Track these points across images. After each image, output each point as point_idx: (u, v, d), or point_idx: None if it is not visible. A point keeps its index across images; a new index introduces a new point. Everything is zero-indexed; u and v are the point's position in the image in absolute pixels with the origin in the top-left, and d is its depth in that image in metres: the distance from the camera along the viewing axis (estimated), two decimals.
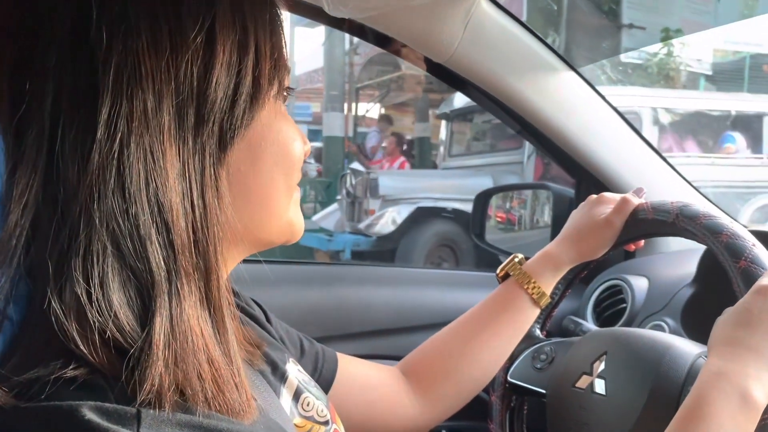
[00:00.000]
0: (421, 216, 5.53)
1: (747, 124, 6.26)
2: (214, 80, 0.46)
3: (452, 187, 5.87)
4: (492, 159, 6.13)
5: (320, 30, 10.13)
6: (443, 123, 7.07)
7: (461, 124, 6.84)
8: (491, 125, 6.47)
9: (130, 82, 0.43)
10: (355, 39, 10.01)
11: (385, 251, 5.56)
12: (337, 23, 1.13)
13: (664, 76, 8.81)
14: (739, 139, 6.20)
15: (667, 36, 8.13)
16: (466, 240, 5.47)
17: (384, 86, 11.02)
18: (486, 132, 6.71)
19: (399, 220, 5.55)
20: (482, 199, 1.65)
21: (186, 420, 0.41)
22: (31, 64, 0.44)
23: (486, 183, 5.63)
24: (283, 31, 0.53)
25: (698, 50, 9.07)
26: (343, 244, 5.78)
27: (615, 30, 7.76)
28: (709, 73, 9.16)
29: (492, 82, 1.12)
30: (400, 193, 5.85)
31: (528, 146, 5.60)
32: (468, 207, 5.55)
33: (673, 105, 6.21)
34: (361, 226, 5.90)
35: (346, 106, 10.45)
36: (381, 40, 1.12)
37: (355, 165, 7.10)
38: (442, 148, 7.04)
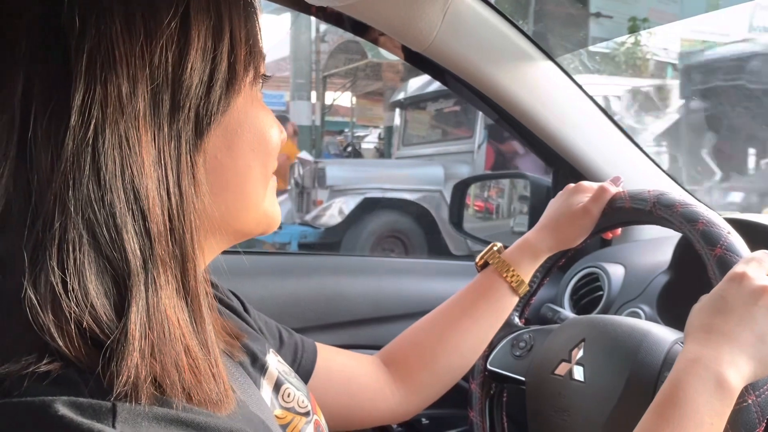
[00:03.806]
0: (369, 206, 5.45)
1: None
2: (189, 66, 0.45)
3: (401, 177, 5.79)
4: (444, 148, 6.05)
5: (287, 17, 9.99)
6: (397, 111, 6.96)
7: (415, 113, 6.74)
8: (444, 113, 6.39)
9: (104, 68, 0.42)
10: (322, 26, 9.92)
11: (332, 243, 5.48)
12: (315, 11, 1.12)
13: (630, 65, 8.82)
14: None
15: (634, 25, 8.11)
16: (415, 230, 5.44)
17: (351, 74, 10.88)
18: (438, 120, 6.62)
19: (346, 211, 5.46)
20: (460, 189, 1.65)
21: (163, 413, 0.41)
22: (0, 50, 0.42)
23: (436, 173, 5.57)
24: (257, 17, 0.52)
25: (666, 40, 9.11)
26: (290, 236, 5.68)
27: (583, 19, 7.77)
28: (676, 62, 9.21)
29: (470, 71, 1.12)
30: (347, 184, 5.75)
31: (479, 135, 5.54)
32: (416, 197, 5.44)
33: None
34: (309, 217, 5.80)
35: (314, 94, 10.36)
36: (359, 28, 1.12)
37: (304, 154, 7.04)
38: (395, 137, 6.91)
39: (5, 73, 0.42)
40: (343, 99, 12.34)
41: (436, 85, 6.06)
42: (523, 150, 5.56)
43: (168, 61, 0.44)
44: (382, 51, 8.04)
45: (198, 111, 0.46)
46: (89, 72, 0.42)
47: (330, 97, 11.71)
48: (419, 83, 6.43)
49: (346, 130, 12.33)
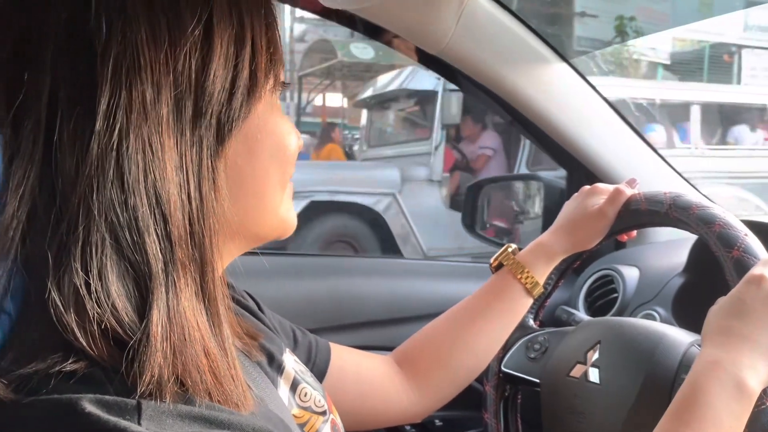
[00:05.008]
0: (315, 211, 5.13)
1: (672, 113, 6.05)
2: (212, 73, 0.46)
3: (353, 180, 5.48)
4: (405, 149, 5.78)
5: None
6: (363, 111, 6.68)
7: (379, 113, 6.45)
8: (406, 113, 6.14)
9: (129, 73, 0.43)
10: (298, 25, 9.68)
11: (277, 246, 5.23)
12: (328, 14, 1.13)
13: (618, 65, 8.54)
14: (659, 129, 6.06)
15: (621, 24, 7.80)
16: (366, 234, 5.19)
17: (326, 74, 10.53)
18: (400, 121, 6.33)
19: None
20: (474, 191, 1.65)
21: (187, 411, 0.41)
22: (28, 54, 0.43)
23: (391, 175, 5.32)
24: (277, 25, 0.53)
25: (657, 39, 8.82)
26: None
27: (567, 18, 7.55)
28: (668, 62, 8.83)
29: (485, 73, 1.12)
30: (294, 186, 5.53)
31: (436, 136, 5.34)
32: (367, 200, 5.17)
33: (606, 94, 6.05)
34: None
35: (288, 95, 10.08)
36: (372, 30, 1.12)
37: None
38: (361, 138, 6.61)
39: (32, 77, 0.43)
40: (330, 99, 11.89)
41: (396, 84, 5.84)
42: (492, 152, 5.39)
43: (191, 67, 0.45)
44: (353, 50, 7.87)
45: (220, 117, 0.47)
46: (115, 78, 0.42)
47: (306, 97, 11.31)
48: (383, 81, 6.19)
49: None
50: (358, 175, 5.67)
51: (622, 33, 7.84)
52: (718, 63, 8.81)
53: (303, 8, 1.10)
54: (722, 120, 6.33)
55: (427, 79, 5.50)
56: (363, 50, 7.84)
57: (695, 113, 5.83)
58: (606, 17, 7.79)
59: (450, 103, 5.19)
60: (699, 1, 7.80)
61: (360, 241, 5.20)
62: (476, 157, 5.45)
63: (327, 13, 1.12)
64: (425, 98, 5.62)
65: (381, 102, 6.26)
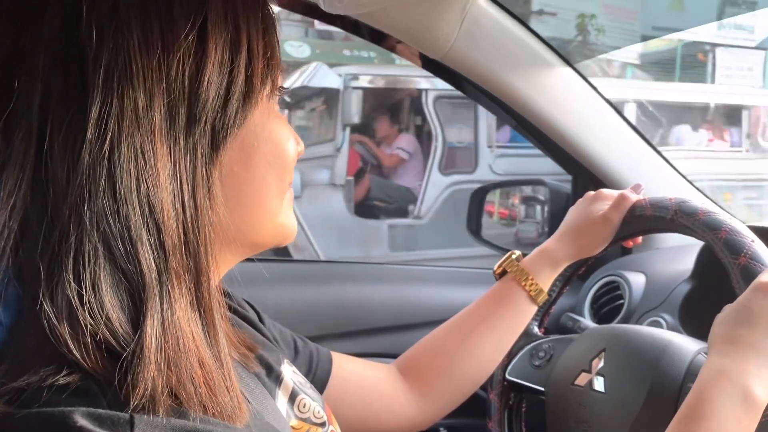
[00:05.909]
0: None
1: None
2: (206, 79, 0.45)
3: None
4: (313, 151, 5.31)
5: None
6: (285, 112, 6.09)
7: (293, 112, 5.97)
8: (315, 113, 5.75)
9: (120, 81, 0.42)
10: None
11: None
12: (332, 20, 1.13)
13: (581, 64, 8.18)
14: None
15: (582, 23, 7.50)
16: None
17: None
18: (310, 121, 5.89)
19: None
20: (478, 196, 1.65)
21: (180, 425, 0.41)
22: (19, 62, 0.43)
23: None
24: (276, 29, 0.52)
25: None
26: None
27: (523, 17, 7.30)
28: (638, 62, 8.38)
29: (488, 78, 1.12)
30: None
31: (338, 137, 4.96)
32: None
33: None
34: None
35: None
36: (376, 36, 1.12)
37: None
38: None
39: (24, 85, 0.42)
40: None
41: (300, 81, 5.36)
42: (407, 154, 5.09)
43: (185, 74, 0.44)
44: (288, 49, 7.66)
45: (214, 124, 0.46)
46: (106, 85, 0.42)
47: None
48: (292, 79, 5.68)
49: None
50: None
51: (583, 31, 7.60)
52: (691, 62, 8.55)
53: (305, 14, 1.10)
54: (663, 121, 6.03)
55: (330, 77, 5.11)
56: (298, 48, 7.57)
57: (630, 112, 5.48)
58: (567, 14, 7.45)
59: (350, 101, 4.82)
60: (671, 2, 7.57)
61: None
62: (388, 158, 5.16)
63: (330, 19, 1.12)
64: (329, 96, 5.21)
65: (299, 100, 5.83)
